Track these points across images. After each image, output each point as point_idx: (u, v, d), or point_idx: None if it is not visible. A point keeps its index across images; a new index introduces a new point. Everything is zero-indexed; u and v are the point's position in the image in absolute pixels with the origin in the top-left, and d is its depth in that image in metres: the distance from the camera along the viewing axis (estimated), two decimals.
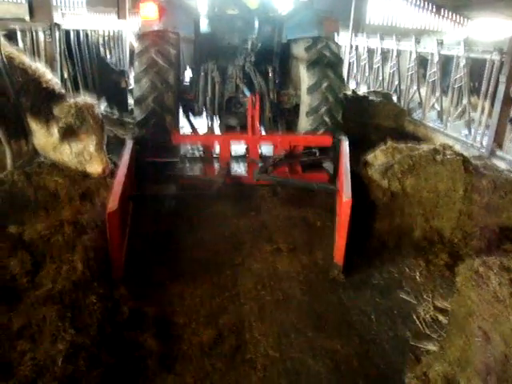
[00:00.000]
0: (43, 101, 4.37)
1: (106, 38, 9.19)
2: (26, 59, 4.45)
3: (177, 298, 3.86)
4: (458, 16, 19.55)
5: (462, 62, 7.74)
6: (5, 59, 4.10)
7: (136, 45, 6.60)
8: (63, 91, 4.69)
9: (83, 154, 4.69)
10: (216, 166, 6.42)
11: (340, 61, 6.99)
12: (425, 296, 4.11)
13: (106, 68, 8.61)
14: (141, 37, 6.40)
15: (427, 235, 4.98)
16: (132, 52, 8.41)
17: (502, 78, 6.73)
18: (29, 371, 2.46)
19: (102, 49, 8.96)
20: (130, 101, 8.33)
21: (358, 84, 12.20)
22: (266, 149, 6.98)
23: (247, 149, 6.70)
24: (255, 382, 3.04)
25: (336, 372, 3.20)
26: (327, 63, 6.61)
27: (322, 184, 5.80)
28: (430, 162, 5.08)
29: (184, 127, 7.94)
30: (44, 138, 4.48)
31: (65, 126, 4.39)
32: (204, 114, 7.22)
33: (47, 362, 2.53)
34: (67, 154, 4.56)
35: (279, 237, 4.95)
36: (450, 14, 19.45)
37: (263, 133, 7.24)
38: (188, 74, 7.96)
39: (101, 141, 4.88)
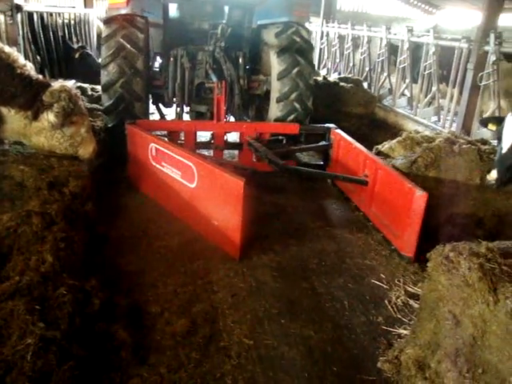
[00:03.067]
0: (19, 87, 4.22)
1: (72, 22, 8.92)
2: None
3: (150, 286, 3.82)
4: (426, 5, 19.78)
5: (432, 50, 7.83)
6: None
7: (103, 29, 6.44)
8: (41, 77, 4.54)
9: (75, 137, 4.61)
10: None
11: (310, 47, 7.01)
12: (396, 281, 4.18)
13: (73, 51, 8.39)
14: (108, 21, 6.26)
15: None
16: (99, 36, 8.23)
17: (470, 66, 6.85)
18: None
19: (67, 32, 8.69)
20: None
21: (328, 70, 12.22)
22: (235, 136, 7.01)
23: (212, 135, 6.67)
24: (230, 370, 3.03)
25: (308, 355, 3.23)
26: (297, 49, 6.63)
27: (350, 177, 5.64)
28: (449, 153, 5.11)
29: (154, 113, 7.84)
30: (22, 124, 4.34)
31: (61, 110, 4.28)
32: (174, 100, 7.12)
33: (15, 357, 2.45)
34: (58, 138, 4.44)
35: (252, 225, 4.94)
36: (419, 2, 19.66)
37: (232, 120, 7.28)
38: (157, 61, 7.84)
39: (89, 122, 4.90)
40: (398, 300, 3.91)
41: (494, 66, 6.36)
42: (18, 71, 4.35)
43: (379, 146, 5.62)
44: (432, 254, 2.93)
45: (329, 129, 6.34)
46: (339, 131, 6.20)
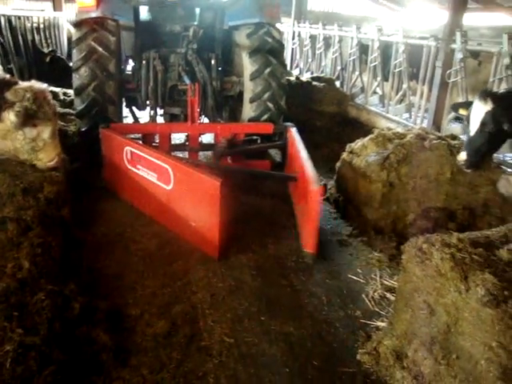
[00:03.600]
0: None
1: (42, 26, 8.80)
2: None
3: (128, 290, 3.82)
4: (391, 3, 20.08)
5: (401, 48, 7.98)
6: None
7: (73, 32, 6.36)
8: (8, 76, 4.45)
9: (36, 141, 4.46)
10: None
11: (282, 47, 7.06)
12: (372, 275, 4.26)
13: (41, 55, 8.29)
14: (78, 24, 6.19)
15: None
16: (70, 40, 8.14)
17: (438, 64, 7.01)
18: None
19: (37, 36, 8.58)
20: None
21: (301, 70, 12.31)
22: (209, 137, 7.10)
23: (187, 137, 6.74)
24: (212, 369, 3.06)
25: (288, 349, 3.28)
26: (269, 50, 6.67)
27: (282, 174, 5.84)
28: (420, 148, 5.21)
29: (128, 117, 7.80)
30: None
31: (22, 110, 4.15)
32: (147, 103, 7.06)
33: None
34: (20, 140, 4.32)
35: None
36: (385, 1, 19.95)
37: (206, 121, 7.26)
38: (129, 64, 7.80)
39: (55, 128, 4.67)
40: (375, 294, 3.98)
41: (461, 64, 6.52)
42: None
43: (352, 144, 5.69)
44: (406, 247, 3.02)
45: (286, 127, 6.37)
46: (293, 130, 6.21)
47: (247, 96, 6.81)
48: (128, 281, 3.94)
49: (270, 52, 6.67)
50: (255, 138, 6.78)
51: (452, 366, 2.62)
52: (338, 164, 5.74)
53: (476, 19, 16.66)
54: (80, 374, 2.81)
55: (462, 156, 4.57)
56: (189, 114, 6.30)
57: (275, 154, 7.35)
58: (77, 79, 6.11)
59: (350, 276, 4.28)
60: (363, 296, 3.97)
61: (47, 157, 4.57)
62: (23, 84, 4.45)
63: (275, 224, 5.19)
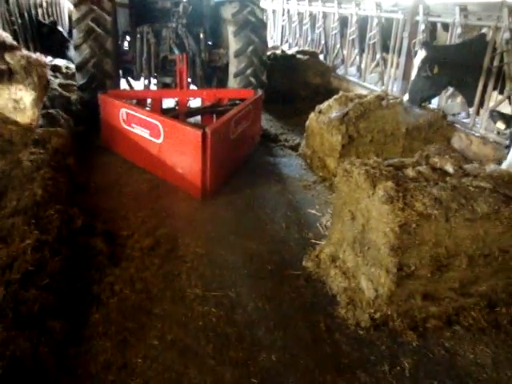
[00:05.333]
0: None
1: (45, 4, 9.56)
2: None
3: (122, 218, 4.64)
4: None
5: (375, 22, 8.66)
6: None
7: (73, 12, 6.99)
8: (15, 43, 5.20)
9: (19, 103, 5.20)
10: None
11: (264, 25, 7.69)
12: (329, 210, 5.05)
13: (43, 27, 9.04)
14: (77, 4, 6.80)
15: None
16: (70, 17, 8.82)
17: (405, 35, 7.70)
18: (5, 258, 3.19)
19: (40, 12, 9.33)
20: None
21: (290, 45, 12.96)
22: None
23: (177, 102, 7.49)
24: (185, 270, 3.88)
25: (249, 260, 4.10)
26: (252, 29, 7.28)
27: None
28: (378, 107, 5.95)
29: (124, 87, 8.51)
30: None
31: (9, 69, 4.91)
32: (142, 74, 7.74)
33: (19, 252, 3.25)
34: (5, 97, 5.07)
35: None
36: None
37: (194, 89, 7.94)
38: (125, 39, 8.47)
39: (39, 98, 5.34)
40: (328, 222, 4.75)
41: (423, 34, 7.21)
42: None
43: (320, 106, 6.43)
44: (338, 170, 3.81)
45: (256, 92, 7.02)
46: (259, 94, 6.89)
47: (232, 71, 7.49)
48: (121, 212, 4.76)
49: (253, 31, 7.29)
50: (237, 102, 7.22)
51: (365, 256, 3.42)
52: (307, 123, 6.48)
53: None
54: (81, 267, 3.64)
55: (405, 97, 5.67)
56: (177, 81, 7.05)
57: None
58: (78, 56, 6.81)
59: (309, 210, 5.09)
60: (317, 224, 4.77)
61: (25, 119, 5.28)
62: (24, 52, 5.21)
63: (258, 178, 5.97)
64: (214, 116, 7.02)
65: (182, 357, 3.00)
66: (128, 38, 8.07)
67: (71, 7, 8.00)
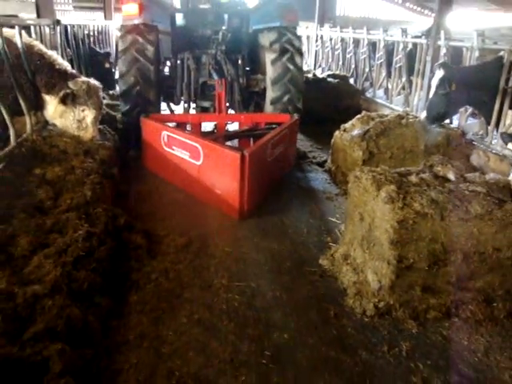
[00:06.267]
0: (57, 79, 5.61)
1: (96, 33, 10.52)
2: (43, 47, 5.74)
3: (159, 221, 5.20)
4: (421, 8, 21.08)
5: (400, 46, 9.12)
6: (24, 47, 5.37)
7: (119, 42, 7.38)
8: (75, 71, 5.94)
9: (81, 122, 5.92)
10: None
11: (300, 53, 7.81)
12: None
13: (95, 54, 9.92)
14: (122, 35, 7.25)
15: None
16: (117, 44, 9.45)
17: (428, 58, 8.13)
18: (61, 246, 3.77)
19: (91, 40, 10.27)
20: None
21: (323, 70, 13.53)
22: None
23: (215, 126, 7.81)
24: (213, 264, 4.38)
25: (271, 258, 4.57)
26: (289, 58, 7.51)
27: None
28: (397, 125, 6.41)
29: (165, 110, 9.19)
30: (54, 107, 5.73)
31: (73, 94, 5.63)
32: (182, 99, 8.16)
33: (72, 241, 3.82)
34: (70, 119, 5.78)
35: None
36: (415, 6, 20.97)
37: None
38: (167, 65, 8.81)
39: (97, 116, 6.07)
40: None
41: (445, 57, 7.62)
42: (57, 67, 5.77)
43: (345, 125, 6.89)
44: (350, 177, 4.26)
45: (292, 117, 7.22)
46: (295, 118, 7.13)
47: (269, 97, 7.67)
48: (158, 216, 5.33)
49: (290, 59, 7.50)
50: (274, 126, 7.38)
51: (371, 252, 3.84)
52: (332, 141, 6.95)
53: (498, 20, 17.47)
54: (123, 258, 4.20)
55: (423, 115, 5.98)
56: (216, 105, 7.31)
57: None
58: (122, 84, 7.20)
59: (329, 218, 5.53)
60: (336, 230, 5.19)
61: (85, 135, 5.98)
62: (83, 78, 5.94)
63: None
64: (251, 139, 7.25)
65: (207, 332, 3.48)
66: (169, 63, 8.58)
67: (118, 35, 8.55)
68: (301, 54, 7.85)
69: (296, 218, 5.53)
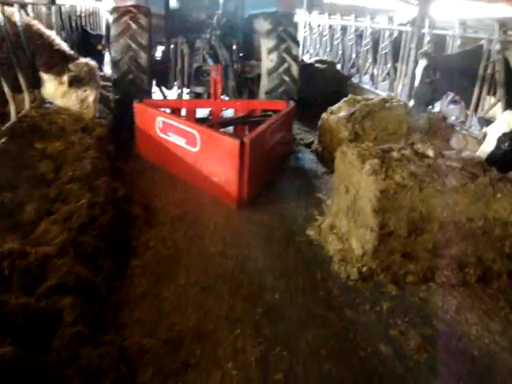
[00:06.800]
0: (56, 59, 5.79)
1: (87, 13, 10.67)
2: (41, 27, 5.90)
3: (154, 195, 5.46)
4: None
5: (386, 34, 9.41)
6: (24, 26, 5.53)
7: (111, 27, 7.13)
8: (73, 52, 6.12)
9: (83, 102, 6.13)
10: None
11: (297, 43, 7.72)
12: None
13: (87, 35, 10.06)
14: (115, 19, 7.02)
15: None
16: (108, 28, 9.27)
17: (412, 45, 8.43)
18: (65, 213, 4.01)
19: (83, 21, 10.40)
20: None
21: (310, 55, 13.78)
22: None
23: (210, 112, 7.70)
24: (208, 234, 4.67)
25: (262, 229, 4.87)
26: (285, 48, 7.40)
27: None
28: (382, 108, 6.68)
29: (156, 92, 9.30)
30: (54, 86, 5.91)
31: (77, 77, 5.83)
32: (175, 84, 8.10)
33: (76, 210, 4.06)
34: (73, 99, 5.99)
35: None
36: None
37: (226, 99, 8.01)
38: (158, 50, 8.81)
39: (97, 96, 6.33)
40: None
41: (428, 45, 7.93)
42: (56, 47, 5.95)
43: (332, 107, 7.18)
44: (337, 153, 4.55)
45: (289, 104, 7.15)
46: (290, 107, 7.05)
47: (263, 87, 7.56)
48: (154, 191, 5.59)
49: (286, 50, 7.40)
50: (270, 113, 7.10)
51: (356, 221, 4.15)
52: (319, 122, 7.23)
53: (484, 11, 17.84)
54: (123, 226, 4.46)
55: (411, 103, 6.26)
56: (212, 91, 7.19)
57: None
58: (115, 72, 7.06)
59: (316, 195, 5.84)
60: (322, 205, 5.49)
61: (87, 114, 6.21)
62: (82, 60, 6.12)
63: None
64: (247, 127, 7.17)
65: (204, 292, 3.77)
66: (161, 47, 8.50)
67: (109, 17, 8.41)
68: (297, 43, 7.72)
69: (285, 194, 5.83)
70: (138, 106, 6.55)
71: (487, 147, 4.47)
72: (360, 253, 4.03)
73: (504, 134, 4.24)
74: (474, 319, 3.67)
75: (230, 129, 7.46)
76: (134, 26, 6.92)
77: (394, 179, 3.81)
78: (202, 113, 8.28)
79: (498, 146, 4.30)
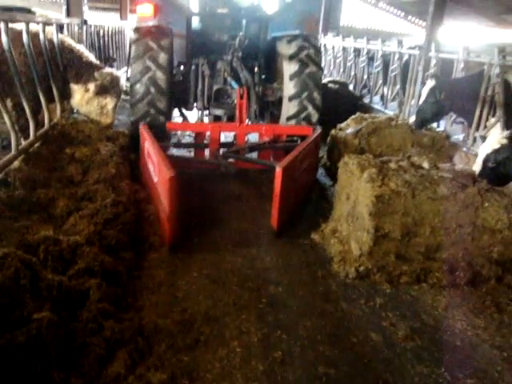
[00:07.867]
0: (84, 69, 6.34)
1: (113, 32, 11.39)
2: (72, 42, 6.48)
3: None
4: (424, 21, 21.92)
5: (396, 57, 9.86)
6: (59, 43, 6.10)
7: (132, 47, 7.01)
8: (99, 63, 6.67)
9: (103, 109, 6.64)
10: (206, 152, 7.13)
11: (321, 69, 7.63)
12: None
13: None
14: (136, 39, 6.94)
15: None
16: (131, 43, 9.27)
17: (420, 68, 8.85)
18: (92, 210, 4.46)
19: (107, 40, 11.09)
20: None
21: (324, 76, 14.25)
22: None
23: (235, 137, 7.36)
24: (219, 235, 5.09)
25: (269, 233, 5.27)
26: (308, 74, 7.33)
27: (264, 161, 6.93)
28: (387, 125, 7.08)
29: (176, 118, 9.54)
30: (81, 95, 6.44)
31: (101, 85, 6.36)
32: (195, 106, 7.86)
33: (101, 207, 4.51)
34: (94, 105, 6.51)
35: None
36: (416, 19, 21.81)
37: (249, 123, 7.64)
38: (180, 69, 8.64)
39: (117, 104, 6.85)
40: None
41: (434, 68, 8.35)
42: (84, 59, 6.50)
43: (340, 124, 7.61)
44: (340, 163, 4.96)
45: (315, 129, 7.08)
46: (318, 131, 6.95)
47: (285, 113, 7.44)
48: None
49: (309, 76, 7.28)
50: (296, 139, 7.25)
51: (355, 224, 4.53)
52: (329, 138, 7.63)
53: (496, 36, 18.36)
54: (142, 223, 4.91)
55: (412, 119, 6.65)
56: (237, 115, 7.02)
57: None
58: (133, 93, 6.84)
59: (322, 204, 6.24)
60: (327, 213, 5.87)
61: (105, 121, 6.71)
62: (107, 69, 6.66)
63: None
64: (272, 152, 7.16)
65: (214, 283, 4.17)
66: (182, 68, 8.34)
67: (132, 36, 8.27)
68: (321, 68, 7.61)
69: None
70: (140, 129, 6.36)
71: (476, 167, 4.80)
72: (358, 253, 4.40)
73: (487, 155, 4.59)
74: (461, 316, 4.01)
75: (254, 154, 7.30)
76: (154, 46, 6.81)
77: (389, 186, 4.20)
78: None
79: (483, 166, 4.64)
